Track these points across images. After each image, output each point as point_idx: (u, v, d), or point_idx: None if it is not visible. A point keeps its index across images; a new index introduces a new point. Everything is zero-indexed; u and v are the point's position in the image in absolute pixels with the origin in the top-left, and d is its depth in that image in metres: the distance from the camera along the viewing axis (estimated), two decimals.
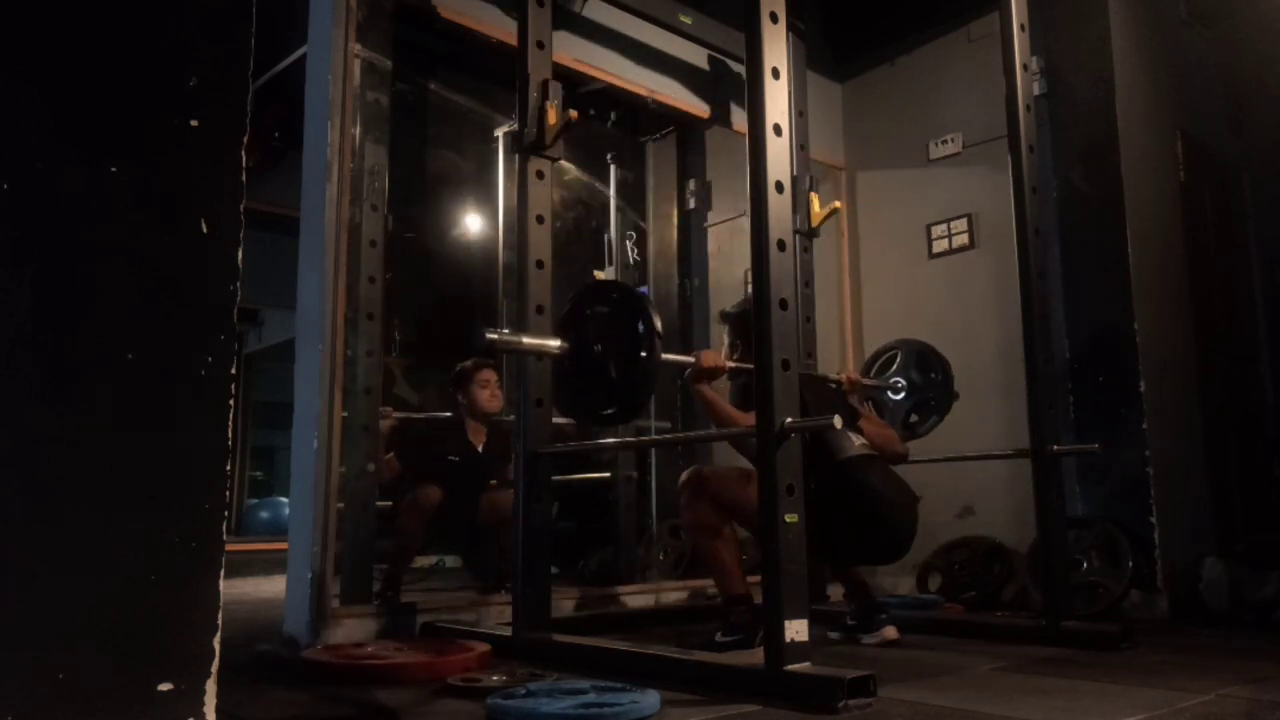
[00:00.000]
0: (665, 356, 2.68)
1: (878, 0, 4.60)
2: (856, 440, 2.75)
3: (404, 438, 3.78)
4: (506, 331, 2.69)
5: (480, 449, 3.84)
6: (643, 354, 2.34)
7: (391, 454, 3.66)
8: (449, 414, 3.96)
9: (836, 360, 4.37)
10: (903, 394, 3.46)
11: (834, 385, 3.13)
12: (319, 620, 2.72)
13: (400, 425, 3.82)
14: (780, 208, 2.17)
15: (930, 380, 3.44)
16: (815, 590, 3.49)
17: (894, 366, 3.51)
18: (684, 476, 2.81)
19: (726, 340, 3.02)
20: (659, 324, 2.34)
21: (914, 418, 3.46)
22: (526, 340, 2.65)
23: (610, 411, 2.53)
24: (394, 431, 3.72)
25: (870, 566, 3.77)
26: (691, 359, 2.71)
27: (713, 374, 2.70)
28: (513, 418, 3.03)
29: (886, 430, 3.04)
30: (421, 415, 4.12)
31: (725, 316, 3.10)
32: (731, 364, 2.80)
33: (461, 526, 3.78)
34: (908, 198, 4.39)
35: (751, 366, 2.42)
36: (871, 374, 3.53)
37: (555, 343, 2.57)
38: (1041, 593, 3.00)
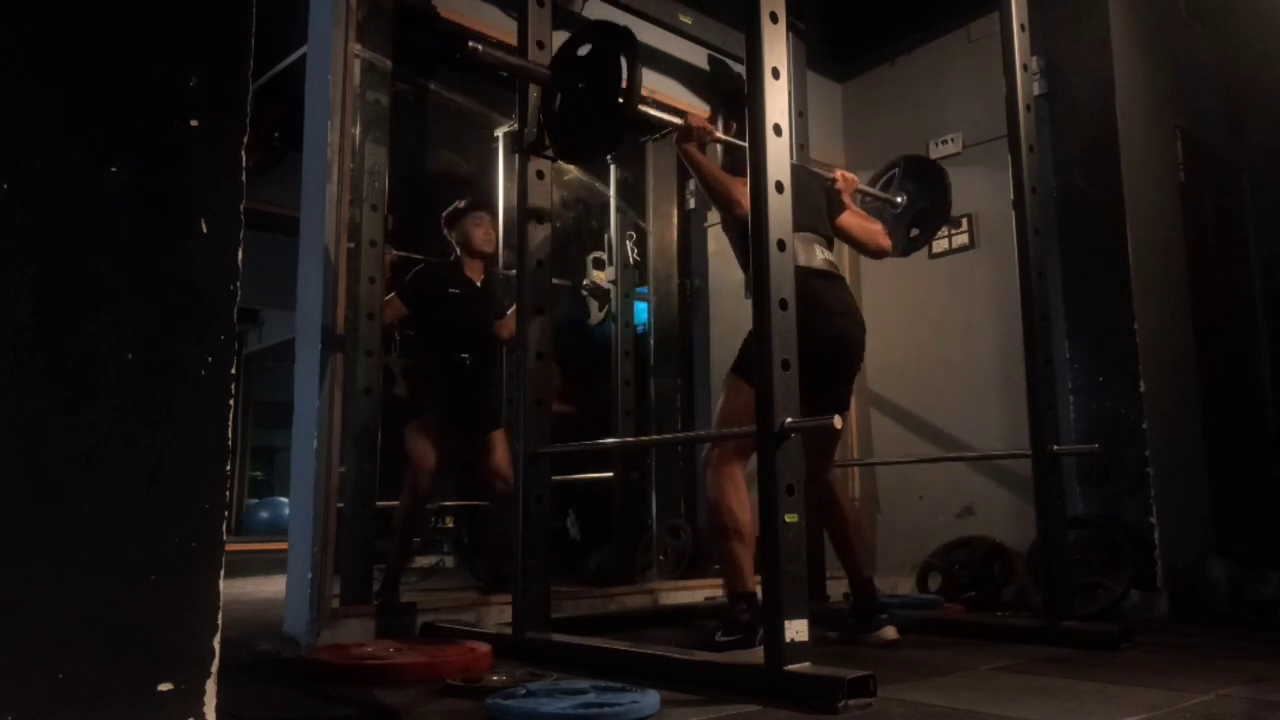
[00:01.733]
0: (648, 110, 2.78)
1: (878, 0, 4.60)
2: (820, 256, 2.88)
3: (405, 276, 3.79)
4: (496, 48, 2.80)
5: (479, 284, 3.85)
6: (619, 100, 2.43)
7: (393, 294, 3.64)
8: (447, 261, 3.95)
9: None
10: (901, 208, 3.45)
11: (830, 181, 3.15)
12: (319, 620, 2.72)
13: (399, 262, 3.81)
14: (780, 208, 2.17)
15: (927, 189, 3.44)
16: (815, 590, 3.49)
17: (895, 184, 3.50)
18: (705, 456, 2.83)
19: (721, 118, 3.09)
20: (639, 69, 2.44)
21: (914, 231, 3.47)
22: (514, 59, 2.74)
23: (588, 145, 2.66)
24: (394, 269, 3.72)
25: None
26: (678, 120, 2.81)
27: (700, 135, 2.79)
28: (513, 271, 3.04)
29: (872, 224, 3.13)
30: (419, 256, 4.12)
31: (717, 92, 3.15)
32: (719, 134, 2.89)
33: (472, 376, 3.74)
34: None
35: (740, 143, 2.54)
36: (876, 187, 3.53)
37: (542, 68, 2.65)
38: (1041, 593, 3.00)
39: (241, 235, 1.27)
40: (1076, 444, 3.43)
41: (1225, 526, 3.96)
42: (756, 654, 2.17)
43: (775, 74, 2.21)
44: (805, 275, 2.74)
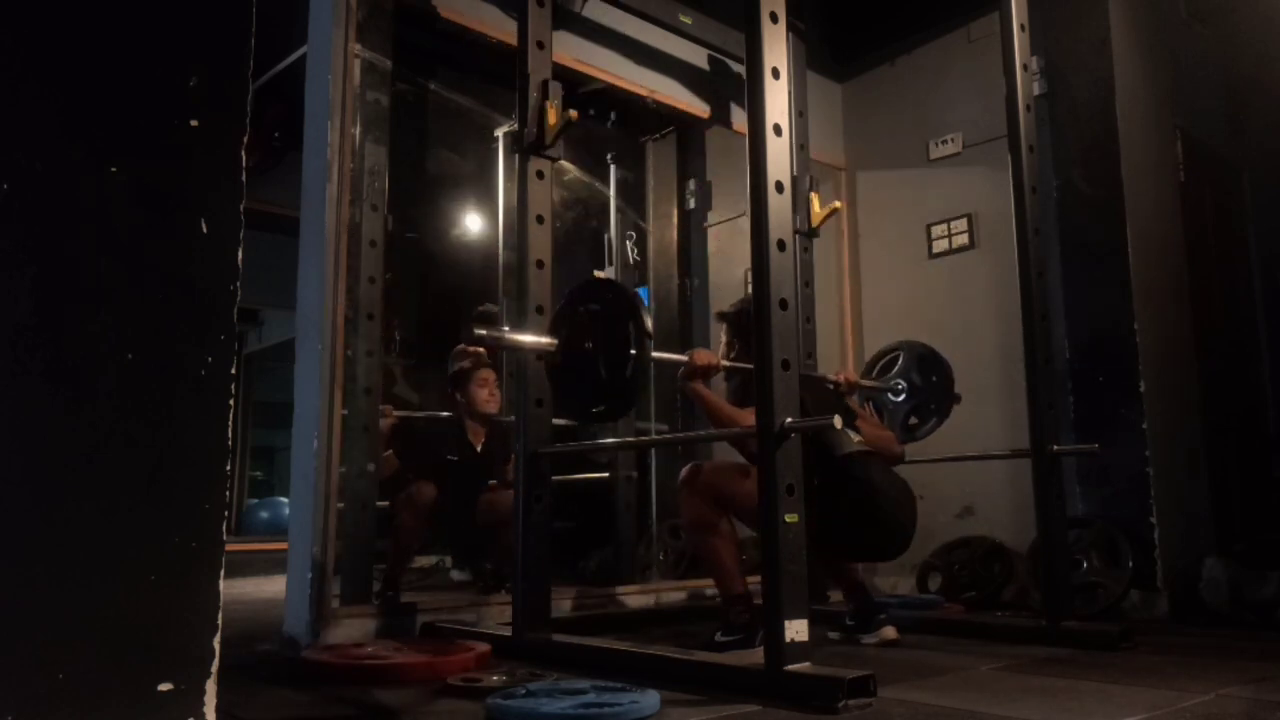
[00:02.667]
0: (657, 355, 2.67)
1: (878, 0, 4.60)
2: (855, 437, 2.77)
3: (403, 436, 3.78)
4: (504, 329, 2.69)
5: (479, 449, 3.83)
6: (632, 352, 2.34)
7: (390, 452, 3.65)
8: (448, 414, 3.96)
9: (836, 360, 4.36)
10: (903, 396, 3.43)
11: (831, 386, 3.12)
12: (319, 620, 2.72)
13: (400, 424, 3.82)
14: (780, 208, 2.17)
15: (931, 383, 3.40)
16: (815, 590, 3.48)
17: (895, 368, 3.48)
18: (683, 473, 2.82)
19: (724, 339, 3.02)
20: (649, 323, 2.34)
21: (913, 420, 3.43)
22: (516, 337, 2.65)
23: (600, 409, 2.52)
24: (393, 430, 3.72)
25: (871, 564, 3.78)
26: (684, 358, 2.71)
27: (706, 372, 2.70)
28: (512, 418, 3.03)
29: (883, 431, 3.04)
30: (421, 414, 4.12)
31: (723, 316, 3.09)
32: (725, 363, 2.80)
33: (460, 526, 3.77)
34: (908, 198, 4.39)
35: (748, 366, 2.42)
36: (873, 375, 3.50)
37: (546, 340, 2.57)
38: (1041, 593, 3.00)
39: (241, 235, 1.27)
40: (1076, 444, 3.43)
41: (1225, 526, 3.96)
42: (756, 654, 2.17)
43: (775, 74, 2.21)
44: (858, 459, 2.71)
